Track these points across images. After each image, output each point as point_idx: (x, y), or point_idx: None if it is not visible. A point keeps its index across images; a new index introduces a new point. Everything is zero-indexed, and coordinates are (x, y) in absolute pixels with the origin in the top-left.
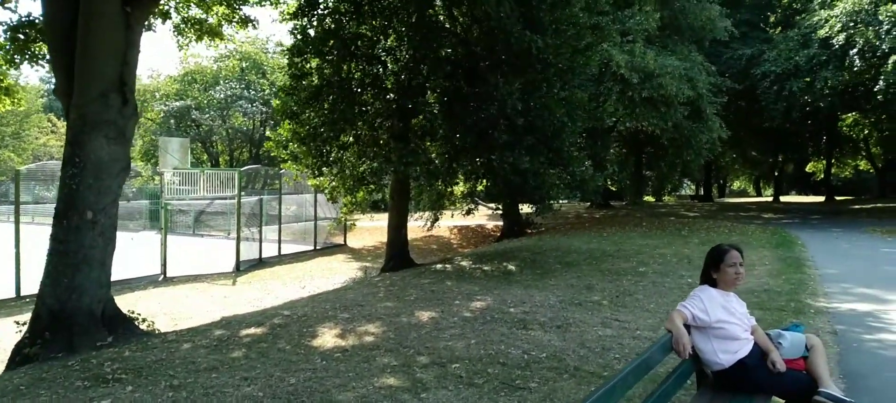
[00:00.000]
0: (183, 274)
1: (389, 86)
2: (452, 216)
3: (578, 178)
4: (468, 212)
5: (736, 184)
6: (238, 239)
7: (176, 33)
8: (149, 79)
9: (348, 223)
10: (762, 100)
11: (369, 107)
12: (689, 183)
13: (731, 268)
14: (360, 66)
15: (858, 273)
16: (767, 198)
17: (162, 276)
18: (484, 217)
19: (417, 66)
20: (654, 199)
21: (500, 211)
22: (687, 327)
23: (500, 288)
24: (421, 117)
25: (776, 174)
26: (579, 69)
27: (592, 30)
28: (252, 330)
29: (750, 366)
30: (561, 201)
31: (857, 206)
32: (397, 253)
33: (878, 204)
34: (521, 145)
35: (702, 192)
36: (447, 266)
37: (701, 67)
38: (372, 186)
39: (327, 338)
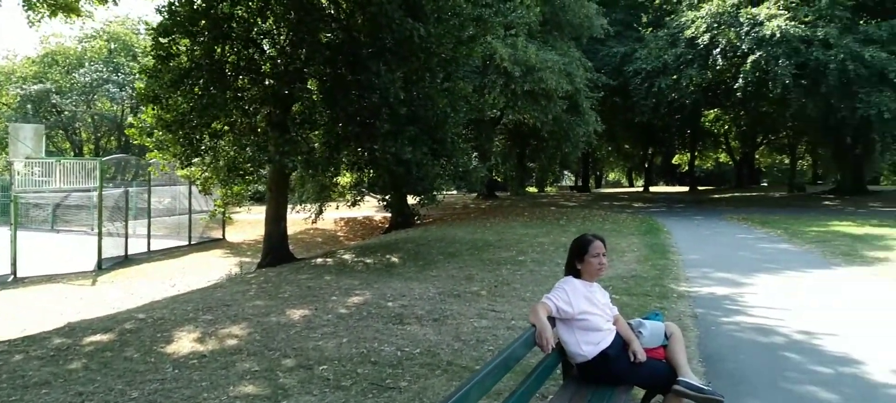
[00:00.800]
0: (36, 274)
1: (266, 71)
2: (338, 207)
3: (462, 169)
4: (354, 204)
5: (611, 175)
6: (100, 235)
7: (26, 7)
8: (4, 61)
9: (226, 216)
10: (634, 96)
11: (245, 93)
12: (569, 174)
13: (594, 259)
14: (235, 49)
15: (717, 258)
16: (639, 188)
17: (11, 277)
18: (373, 208)
19: (296, 50)
20: (537, 190)
21: (385, 203)
22: (552, 319)
23: (381, 281)
24: (300, 104)
25: (646, 166)
26: (463, 60)
27: (476, 22)
28: (97, 337)
29: (611, 357)
30: (447, 192)
31: (717, 196)
32: (275, 247)
33: (736, 194)
34: (403, 135)
35: (580, 183)
36: (328, 260)
37: (579, 63)
38: (249, 177)
39: (184, 344)
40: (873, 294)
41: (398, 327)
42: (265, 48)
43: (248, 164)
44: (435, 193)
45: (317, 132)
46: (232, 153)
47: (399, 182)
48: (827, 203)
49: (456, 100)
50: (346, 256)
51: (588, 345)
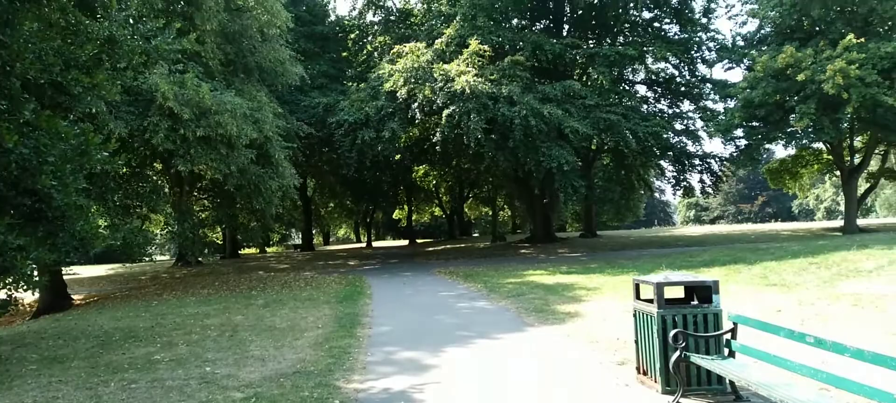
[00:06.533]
0: None
1: None
2: None
3: (80, 235)
4: None
5: (341, 232)
6: None
7: None
8: None
9: None
10: (339, 149)
11: None
12: (296, 232)
13: None
14: None
15: (411, 327)
16: (364, 243)
17: None
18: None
19: None
20: (257, 251)
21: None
22: None
23: None
24: None
25: (368, 221)
26: (78, 90)
27: (107, 44)
28: None
29: None
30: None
31: (431, 248)
32: None
33: (448, 246)
34: None
35: (302, 242)
36: None
37: (269, 108)
38: None
39: None
40: (564, 370)
41: None
42: None
43: None
44: (26, 273)
45: None
46: None
47: None
48: (523, 251)
49: (43, 141)
50: None
51: None
